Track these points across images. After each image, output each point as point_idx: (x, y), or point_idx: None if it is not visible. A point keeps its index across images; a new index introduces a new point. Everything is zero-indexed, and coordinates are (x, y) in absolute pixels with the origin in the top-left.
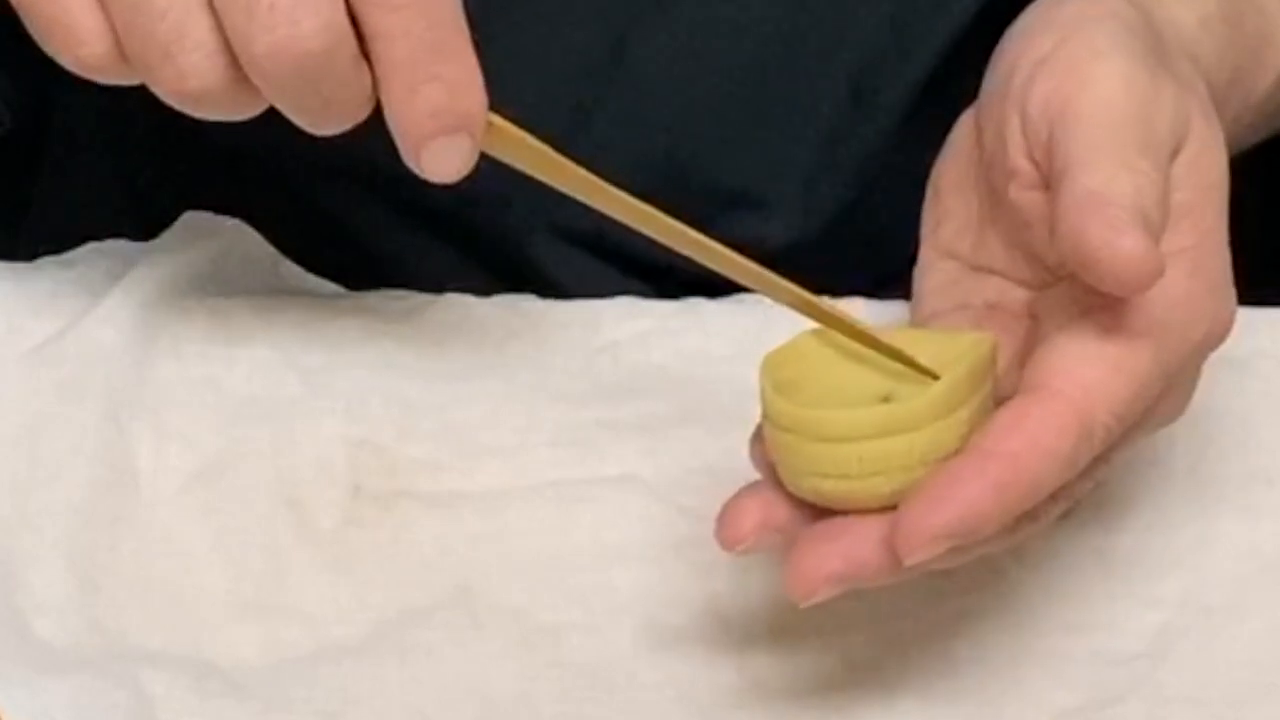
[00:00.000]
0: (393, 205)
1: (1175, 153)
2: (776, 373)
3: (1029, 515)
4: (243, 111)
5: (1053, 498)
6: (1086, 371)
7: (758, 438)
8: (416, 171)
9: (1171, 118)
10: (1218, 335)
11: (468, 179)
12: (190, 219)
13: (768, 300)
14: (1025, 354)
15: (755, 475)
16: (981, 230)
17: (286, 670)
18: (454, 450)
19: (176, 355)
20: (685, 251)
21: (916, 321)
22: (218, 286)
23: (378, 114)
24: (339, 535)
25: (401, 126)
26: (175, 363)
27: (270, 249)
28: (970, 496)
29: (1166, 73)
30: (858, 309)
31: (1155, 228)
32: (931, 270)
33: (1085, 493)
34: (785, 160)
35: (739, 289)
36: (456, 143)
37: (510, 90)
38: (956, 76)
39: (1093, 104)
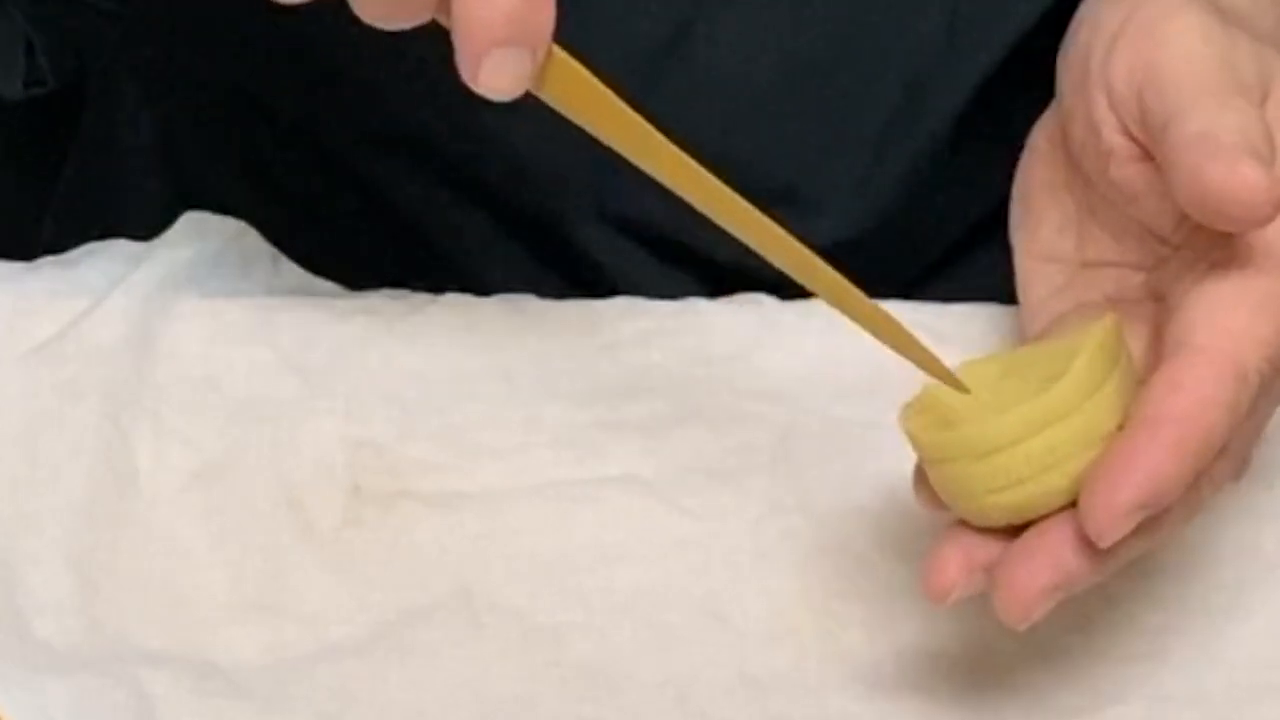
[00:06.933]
0: (439, 178)
1: (1264, 99)
2: (919, 419)
3: (1207, 477)
4: None
5: (1224, 453)
6: (1229, 319)
7: (922, 485)
8: (468, 82)
9: (1254, 64)
10: None
11: (523, 157)
12: (190, 219)
13: (767, 301)
14: (1158, 335)
15: (755, 474)
16: (1083, 227)
17: (286, 670)
18: (454, 450)
19: (176, 355)
20: (743, 235)
21: (1033, 333)
22: (218, 286)
23: (425, 81)
24: (339, 535)
25: (469, 28)
26: (175, 363)
27: (270, 248)
28: (1150, 463)
29: (1237, 29)
30: None
31: (1266, 160)
32: (1035, 278)
33: (1253, 449)
34: (836, 159)
35: (741, 287)
36: (519, 56)
37: None
38: (1012, 82)
39: (1176, 60)
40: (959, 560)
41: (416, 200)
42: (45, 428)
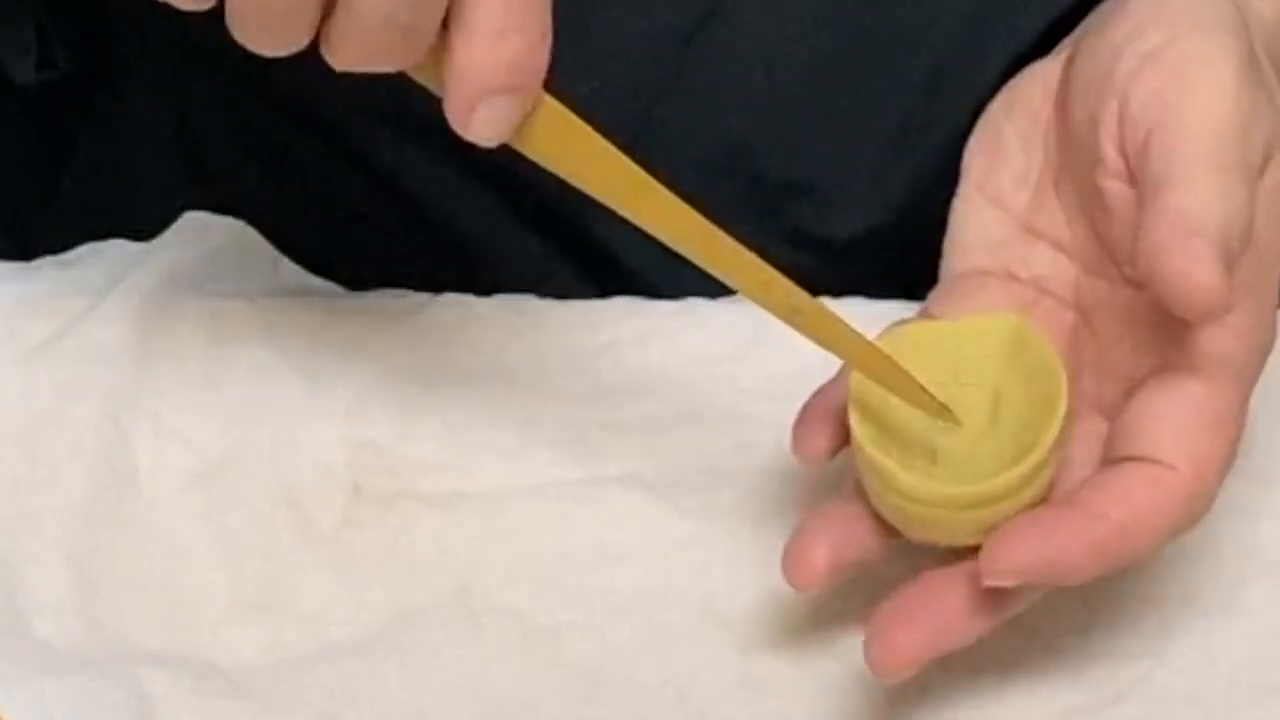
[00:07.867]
0: (455, 163)
1: (1265, 163)
2: (863, 401)
3: None
4: (291, 28)
5: None
6: (1192, 443)
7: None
8: (457, 127)
9: (1266, 136)
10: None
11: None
12: (190, 219)
13: None
14: (1072, 354)
15: (755, 474)
16: (1043, 192)
17: (286, 670)
18: (454, 450)
19: (176, 355)
20: (745, 290)
21: (952, 270)
22: (218, 286)
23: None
24: (339, 535)
25: (470, 73)
26: (175, 363)
27: (270, 248)
28: (1064, 543)
29: (1262, 86)
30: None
31: (1236, 256)
32: (977, 215)
33: None
34: (855, 154)
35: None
36: (514, 103)
37: (591, 62)
38: None
39: (1198, 115)
40: (828, 558)
41: (431, 185)
42: (45, 428)
